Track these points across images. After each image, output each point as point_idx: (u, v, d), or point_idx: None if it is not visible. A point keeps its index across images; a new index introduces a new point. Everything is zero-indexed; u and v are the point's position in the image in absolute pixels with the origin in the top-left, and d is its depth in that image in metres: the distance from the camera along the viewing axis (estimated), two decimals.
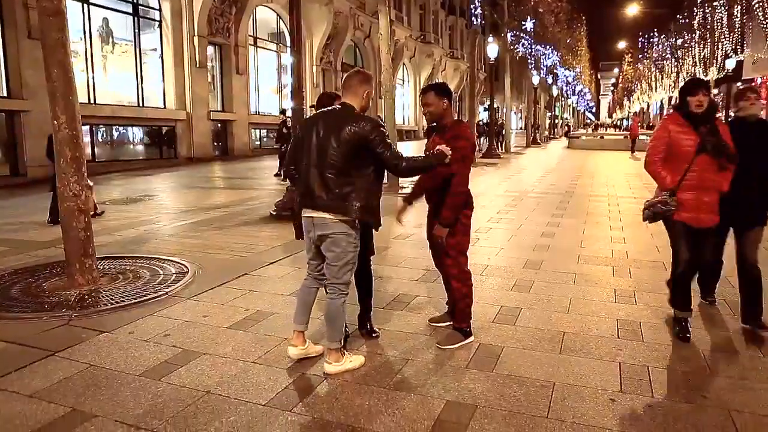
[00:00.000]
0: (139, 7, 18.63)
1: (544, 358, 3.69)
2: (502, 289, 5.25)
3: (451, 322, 4.07)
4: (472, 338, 3.94)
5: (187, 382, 3.31)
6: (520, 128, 42.45)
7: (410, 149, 25.05)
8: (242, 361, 3.61)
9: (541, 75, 40.55)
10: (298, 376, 3.42)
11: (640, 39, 52.83)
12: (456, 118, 3.96)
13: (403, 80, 41.27)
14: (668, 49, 41.07)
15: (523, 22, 34.65)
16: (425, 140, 4.13)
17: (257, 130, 25.02)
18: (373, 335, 4.01)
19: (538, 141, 39.26)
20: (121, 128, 18.11)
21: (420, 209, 4.19)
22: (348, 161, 3.21)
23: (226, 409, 3.01)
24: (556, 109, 59.74)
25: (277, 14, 25.75)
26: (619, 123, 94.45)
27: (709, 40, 28.91)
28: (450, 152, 3.46)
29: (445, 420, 2.93)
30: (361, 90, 3.39)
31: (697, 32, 31.32)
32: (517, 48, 33.51)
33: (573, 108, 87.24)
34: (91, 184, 10.65)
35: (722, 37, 26.14)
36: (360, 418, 2.94)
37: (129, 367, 3.51)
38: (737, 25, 24.34)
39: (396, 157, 3.26)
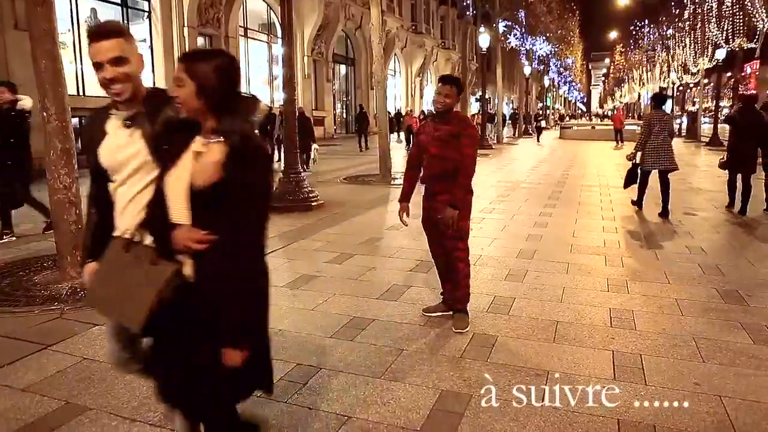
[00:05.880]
0: None
1: (538, 347, 3.71)
2: (496, 278, 5.26)
3: (445, 311, 4.18)
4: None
5: None
6: (512, 113, 42.36)
7: (403, 140, 24.98)
8: None
9: (533, 66, 40.51)
10: (294, 367, 3.41)
11: (631, 28, 52.76)
12: None
13: (394, 71, 41.05)
14: (659, 39, 40.97)
15: (515, 12, 34.55)
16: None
17: None
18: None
19: (530, 131, 39.28)
20: None
21: (414, 200, 4.20)
22: None
23: None
24: (548, 99, 59.81)
25: (268, 5, 25.52)
26: (608, 113, 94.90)
27: (699, 30, 28.90)
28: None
29: (440, 409, 2.94)
30: None
31: (687, 23, 31.28)
32: (509, 39, 33.42)
33: (564, 98, 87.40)
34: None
35: (712, 27, 26.13)
36: (355, 408, 2.95)
37: None
38: (727, 14, 24.31)
39: None
